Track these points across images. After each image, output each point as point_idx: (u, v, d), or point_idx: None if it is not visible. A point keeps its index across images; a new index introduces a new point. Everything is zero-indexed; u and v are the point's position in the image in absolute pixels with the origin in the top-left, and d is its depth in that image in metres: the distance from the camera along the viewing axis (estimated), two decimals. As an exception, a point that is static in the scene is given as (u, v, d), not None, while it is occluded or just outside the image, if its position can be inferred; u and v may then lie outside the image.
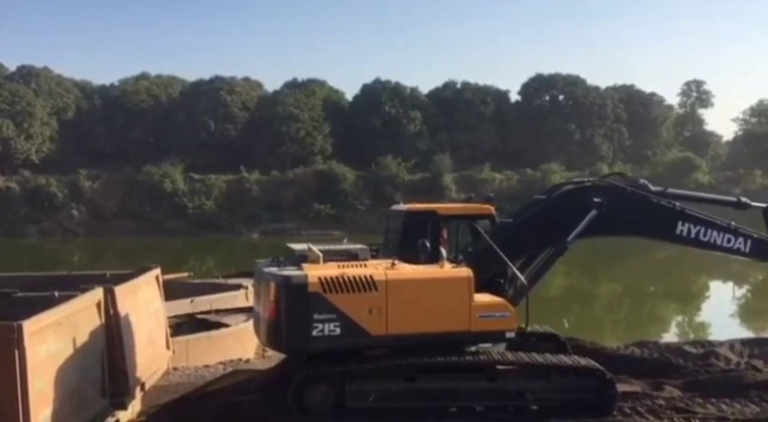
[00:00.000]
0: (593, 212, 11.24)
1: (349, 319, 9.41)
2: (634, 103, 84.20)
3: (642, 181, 12.41)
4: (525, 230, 11.48)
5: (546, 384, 10.23)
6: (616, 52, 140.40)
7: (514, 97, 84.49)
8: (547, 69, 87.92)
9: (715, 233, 11.92)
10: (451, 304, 9.79)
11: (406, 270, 9.85)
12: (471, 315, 9.83)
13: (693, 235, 11.83)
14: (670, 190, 12.41)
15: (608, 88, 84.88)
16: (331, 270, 9.55)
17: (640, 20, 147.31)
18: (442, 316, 9.75)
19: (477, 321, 9.87)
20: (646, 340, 16.26)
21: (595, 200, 11.31)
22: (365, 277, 9.49)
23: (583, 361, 10.53)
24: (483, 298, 10.13)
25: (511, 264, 10.73)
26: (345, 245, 10.77)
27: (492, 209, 11.53)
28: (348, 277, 9.44)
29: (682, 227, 11.78)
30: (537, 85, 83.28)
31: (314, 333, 9.34)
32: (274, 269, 9.77)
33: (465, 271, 9.93)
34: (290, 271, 9.58)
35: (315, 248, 9.88)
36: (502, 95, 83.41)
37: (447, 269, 10.00)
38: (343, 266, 9.68)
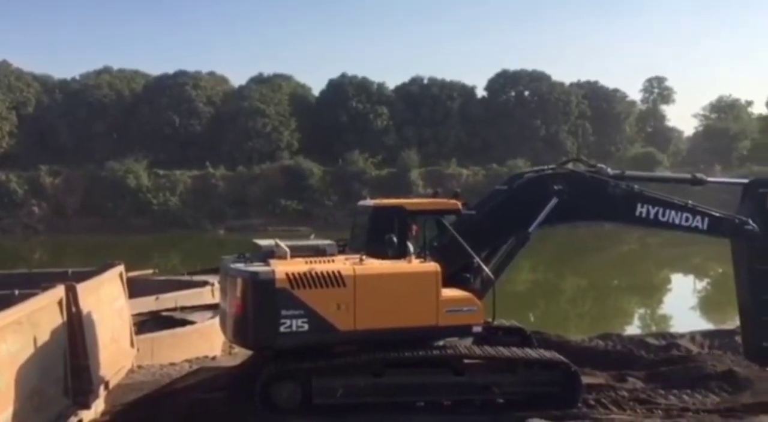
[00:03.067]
0: (554, 200, 11.36)
1: (317, 315, 9.36)
2: (597, 100, 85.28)
3: (600, 165, 12.60)
4: (488, 222, 11.54)
5: (512, 378, 10.31)
6: (580, 48, 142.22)
7: (480, 93, 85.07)
8: (513, 65, 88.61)
9: (673, 213, 12.16)
10: (419, 299, 9.80)
11: (374, 265, 9.83)
12: (438, 310, 9.85)
13: (652, 216, 12.05)
14: (628, 172, 12.61)
15: (572, 84, 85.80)
16: (298, 266, 9.48)
17: (604, 17, 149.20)
18: (410, 311, 9.76)
19: (444, 315, 9.89)
20: (609, 333, 16.52)
21: (556, 187, 11.44)
22: (333, 272, 9.45)
23: (549, 354, 10.63)
24: (450, 292, 10.17)
25: (476, 256, 10.78)
26: (312, 241, 10.72)
27: (458, 204, 11.57)
28: (316, 272, 9.39)
29: (641, 209, 11.99)
30: (503, 81, 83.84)
31: (282, 328, 9.27)
32: (240, 265, 9.68)
33: (433, 266, 9.96)
34: (257, 267, 9.50)
35: (282, 243, 9.82)
36: (468, 91, 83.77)
37: (415, 264, 10.01)
38: (311, 262, 9.63)
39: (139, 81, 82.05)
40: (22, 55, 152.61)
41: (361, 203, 12.36)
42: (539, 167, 12.94)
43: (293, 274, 9.31)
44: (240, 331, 9.70)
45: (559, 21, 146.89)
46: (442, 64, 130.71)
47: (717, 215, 12.56)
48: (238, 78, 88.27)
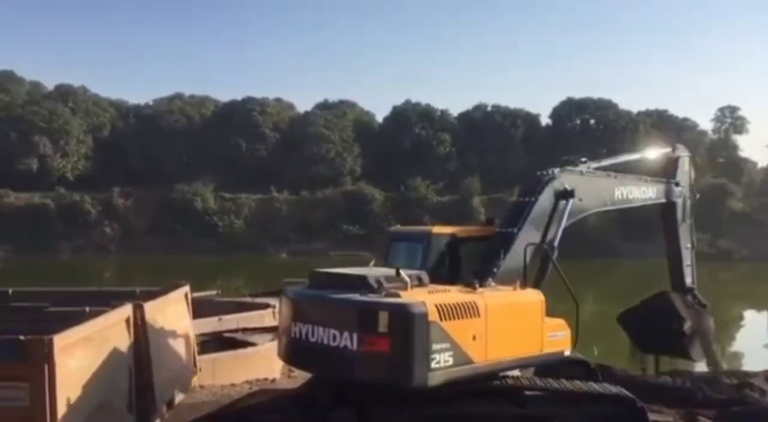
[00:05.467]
0: (570, 202, 11.96)
1: (459, 347, 8.97)
2: (666, 129, 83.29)
3: (583, 159, 13.67)
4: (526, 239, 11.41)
5: (576, 411, 10.02)
6: (648, 77, 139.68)
7: (544, 120, 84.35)
8: (579, 93, 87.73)
9: (635, 189, 13.92)
10: (531, 327, 9.78)
11: (497, 295, 9.67)
12: (543, 336, 9.84)
13: (625, 196, 13.63)
14: (603, 161, 13.96)
15: (640, 112, 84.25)
16: (438, 296, 9.09)
17: (672, 47, 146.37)
18: (525, 339, 9.73)
19: (547, 341, 9.87)
20: (678, 369, 15.91)
21: (568, 188, 12.11)
22: (469, 303, 9.14)
23: (614, 389, 10.31)
24: (549, 319, 10.11)
25: (566, 280, 10.74)
26: (404, 270, 10.37)
27: (496, 230, 11.68)
28: (456, 303, 9.02)
29: (617, 192, 13.54)
30: (568, 109, 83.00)
31: (433, 364, 8.75)
32: (363, 297, 9.02)
33: (539, 294, 10.00)
34: (402, 299, 8.88)
35: (403, 272, 9.26)
36: (532, 119, 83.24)
37: (527, 292, 10.00)
38: (433, 292, 9.24)
39: (208, 106, 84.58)
40: (99, 80, 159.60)
41: (398, 229, 12.69)
42: (540, 171, 12.77)
43: (441, 306, 8.84)
44: (386, 369, 8.82)
45: (627, 51, 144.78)
46: (506, 92, 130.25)
47: (661, 183, 14.72)
48: (303, 104, 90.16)
